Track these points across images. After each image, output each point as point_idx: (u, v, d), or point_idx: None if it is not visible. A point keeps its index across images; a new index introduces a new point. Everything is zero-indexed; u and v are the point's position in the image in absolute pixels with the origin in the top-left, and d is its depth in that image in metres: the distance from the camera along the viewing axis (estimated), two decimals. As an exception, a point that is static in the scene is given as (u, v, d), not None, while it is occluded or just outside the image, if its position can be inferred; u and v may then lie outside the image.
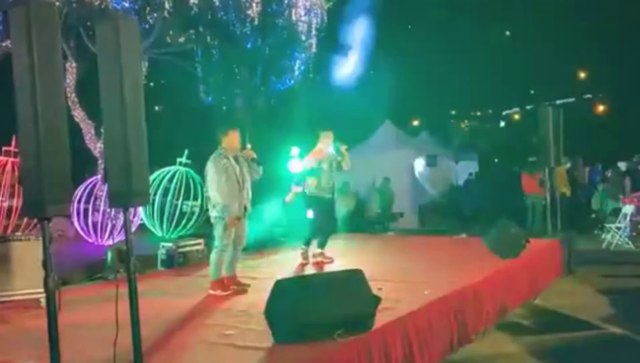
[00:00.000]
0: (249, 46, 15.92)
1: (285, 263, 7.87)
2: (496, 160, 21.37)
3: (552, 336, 5.95)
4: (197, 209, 11.67)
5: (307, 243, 7.85)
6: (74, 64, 14.19)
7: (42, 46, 2.67)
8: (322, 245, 7.79)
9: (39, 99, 2.64)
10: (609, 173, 13.71)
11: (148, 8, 13.78)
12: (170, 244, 8.11)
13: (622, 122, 28.86)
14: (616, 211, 11.85)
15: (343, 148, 7.61)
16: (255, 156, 6.42)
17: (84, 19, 12.52)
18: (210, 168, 6.11)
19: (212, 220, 6.21)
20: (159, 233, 11.56)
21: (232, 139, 6.20)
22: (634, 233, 11.80)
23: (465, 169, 16.76)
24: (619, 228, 11.22)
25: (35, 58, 2.64)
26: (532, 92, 24.32)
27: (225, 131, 6.21)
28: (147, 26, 14.19)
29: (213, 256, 6.18)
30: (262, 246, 9.12)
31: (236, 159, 6.21)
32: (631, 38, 25.13)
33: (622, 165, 12.56)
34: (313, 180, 7.56)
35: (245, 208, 6.21)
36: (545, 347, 5.60)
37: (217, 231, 6.13)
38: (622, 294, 7.43)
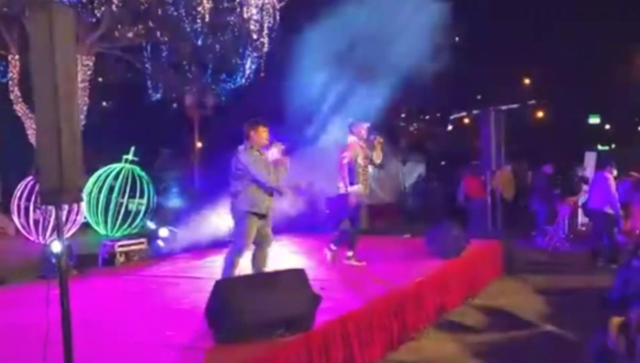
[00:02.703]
0: (199, 43, 15.75)
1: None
2: (443, 163, 21.85)
3: (491, 335, 6.09)
4: (142, 208, 11.48)
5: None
6: (16, 57, 13.78)
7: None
8: (351, 246, 7.41)
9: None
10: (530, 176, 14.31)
11: (96, 1, 13.51)
12: (111, 243, 7.95)
13: (564, 127, 29.98)
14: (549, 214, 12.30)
15: (377, 140, 7.34)
16: (283, 147, 6.08)
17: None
18: (242, 160, 5.76)
19: (234, 217, 5.86)
20: (103, 231, 11.32)
21: (260, 135, 5.86)
22: (571, 235, 12.27)
23: (412, 171, 17.03)
24: (556, 230, 11.62)
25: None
26: (478, 97, 25.02)
27: (255, 125, 5.88)
28: (94, 20, 13.90)
29: (229, 258, 5.81)
30: (206, 246, 9.03)
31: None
32: (571, 46, 26.13)
33: (548, 168, 13.02)
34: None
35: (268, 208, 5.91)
36: (484, 345, 5.72)
37: (239, 230, 5.81)
38: (558, 294, 7.68)
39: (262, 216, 5.86)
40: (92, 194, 11.00)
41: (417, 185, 16.72)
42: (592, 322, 6.06)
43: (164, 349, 4.23)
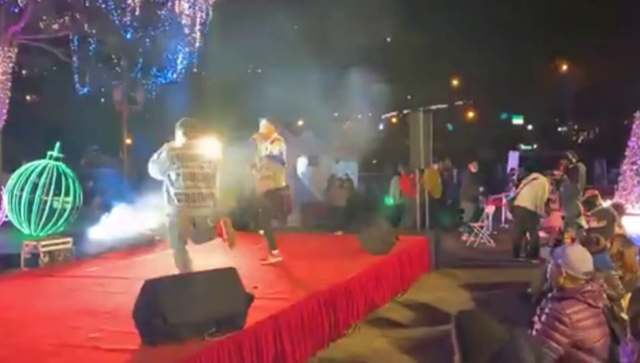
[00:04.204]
0: (128, 36, 15.38)
1: (158, 263, 7.63)
2: (374, 161, 22.21)
3: (418, 330, 6.26)
4: (68, 206, 11.07)
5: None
6: None
7: None
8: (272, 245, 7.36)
9: None
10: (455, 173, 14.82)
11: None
12: (34, 242, 7.64)
13: (489, 127, 31.11)
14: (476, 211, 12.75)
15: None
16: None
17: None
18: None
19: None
20: (26, 230, 10.85)
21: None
22: (495, 232, 12.75)
23: (344, 170, 17.19)
24: (481, 227, 12.04)
25: None
26: (409, 97, 25.64)
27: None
28: (17, 10, 13.37)
29: None
30: (134, 245, 8.84)
31: None
32: (496, 48, 27.14)
33: (473, 167, 13.47)
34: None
35: None
36: (412, 340, 5.88)
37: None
38: (482, 289, 7.98)
39: None
40: (15, 192, 10.53)
41: (347, 183, 16.92)
42: (514, 317, 6.37)
43: (87, 351, 4.12)
